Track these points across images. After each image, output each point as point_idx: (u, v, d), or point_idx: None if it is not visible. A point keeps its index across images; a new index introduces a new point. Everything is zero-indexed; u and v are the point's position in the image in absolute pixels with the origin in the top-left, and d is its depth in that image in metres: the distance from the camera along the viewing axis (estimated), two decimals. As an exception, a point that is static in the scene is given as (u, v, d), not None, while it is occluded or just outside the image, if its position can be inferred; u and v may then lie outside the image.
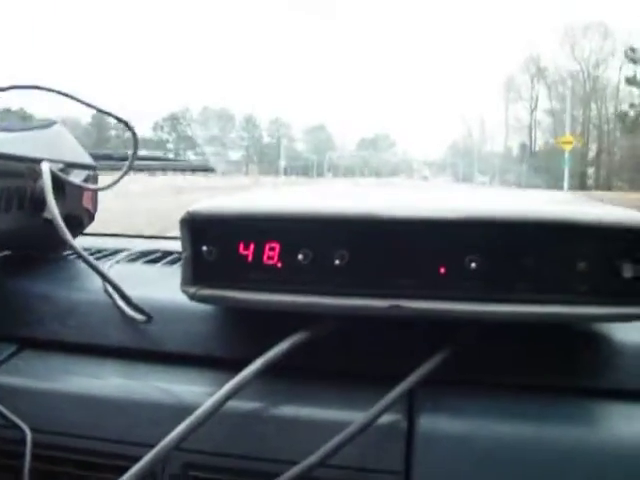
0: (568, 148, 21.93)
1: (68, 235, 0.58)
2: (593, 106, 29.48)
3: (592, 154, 29.93)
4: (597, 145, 29.93)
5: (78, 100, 0.65)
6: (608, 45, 28.58)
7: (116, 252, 0.82)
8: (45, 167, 0.62)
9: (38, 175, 0.63)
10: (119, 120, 0.66)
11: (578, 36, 29.26)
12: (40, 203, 0.63)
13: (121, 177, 0.68)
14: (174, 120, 37.07)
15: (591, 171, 30.01)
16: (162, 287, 0.63)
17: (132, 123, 0.66)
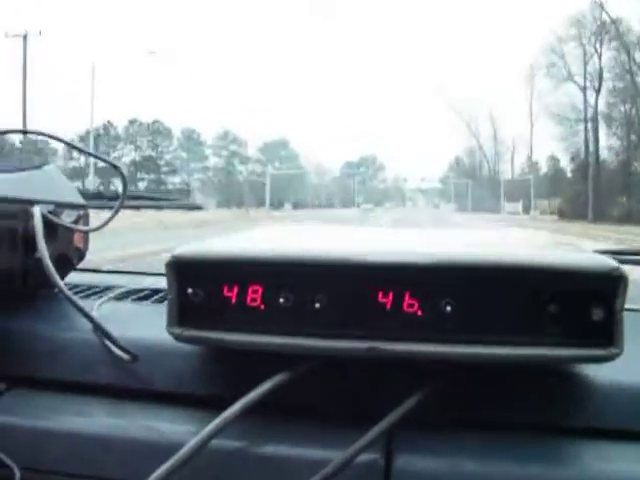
0: None
1: (57, 278, 0.60)
2: None
3: None
4: None
5: (66, 143, 0.67)
6: None
7: (107, 289, 0.83)
8: (37, 210, 0.64)
9: (30, 216, 0.65)
10: (109, 163, 0.68)
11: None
12: (32, 243, 0.65)
13: (112, 217, 0.70)
14: (95, 138, 29.32)
15: None
16: (150, 326, 0.64)
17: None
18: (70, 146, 0.67)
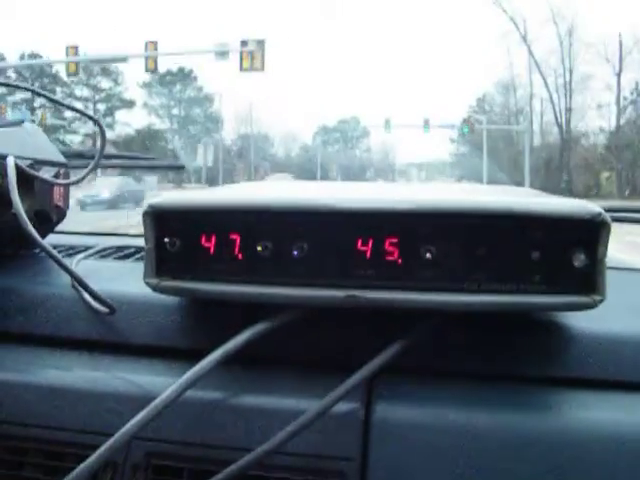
0: None
1: (32, 229, 0.59)
2: None
3: None
4: None
5: (48, 97, 0.65)
6: None
7: (88, 248, 0.82)
8: (10, 162, 0.63)
9: (5, 172, 0.64)
10: (88, 116, 0.66)
11: None
12: (8, 199, 0.64)
13: (87, 173, 0.69)
14: None
15: None
16: (130, 281, 0.64)
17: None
18: (50, 100, 0.66)
